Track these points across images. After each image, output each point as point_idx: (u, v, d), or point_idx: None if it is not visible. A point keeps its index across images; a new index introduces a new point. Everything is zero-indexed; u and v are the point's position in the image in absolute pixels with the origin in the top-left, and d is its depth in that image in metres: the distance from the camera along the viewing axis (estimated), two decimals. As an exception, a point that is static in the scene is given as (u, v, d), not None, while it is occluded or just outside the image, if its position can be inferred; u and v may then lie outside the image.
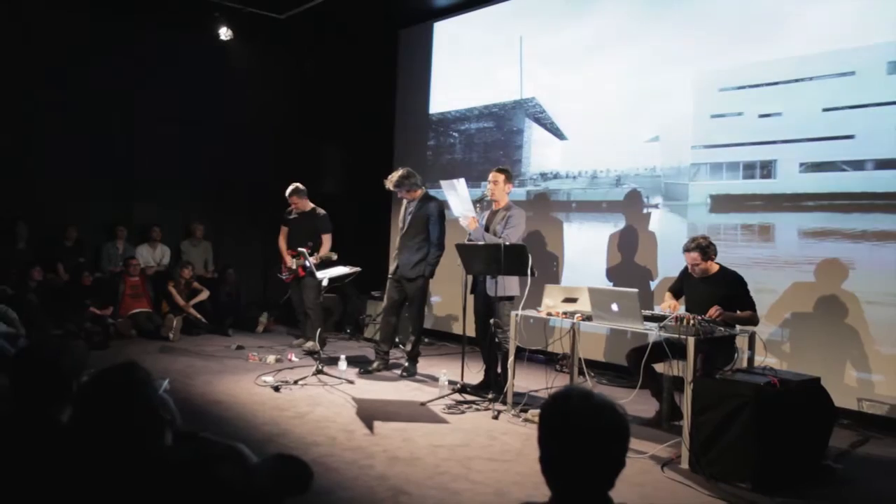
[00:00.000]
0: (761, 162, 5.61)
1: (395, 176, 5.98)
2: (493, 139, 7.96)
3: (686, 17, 6.14)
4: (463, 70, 8.31)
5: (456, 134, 8.44)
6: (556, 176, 7.21)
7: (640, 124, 6.45)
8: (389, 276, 6.12)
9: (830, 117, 5.23)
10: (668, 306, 4.69)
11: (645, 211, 6.43)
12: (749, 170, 5.70)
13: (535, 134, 7.45)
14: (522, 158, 7.57)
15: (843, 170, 5.18)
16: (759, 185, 5.64)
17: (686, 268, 4.77)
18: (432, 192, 6.37)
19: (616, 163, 6.66)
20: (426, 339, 7.15)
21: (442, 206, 6.03)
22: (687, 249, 4.66)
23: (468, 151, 8.28)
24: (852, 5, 5.18)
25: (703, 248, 4.60)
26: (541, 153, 7.42)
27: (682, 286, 4.87)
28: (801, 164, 5.39)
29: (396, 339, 6.66)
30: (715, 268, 4.67)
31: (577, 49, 7.00)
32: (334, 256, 6.58)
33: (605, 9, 6.79)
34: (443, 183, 5.49)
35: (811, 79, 5.34)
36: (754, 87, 5.67)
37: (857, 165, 5.12)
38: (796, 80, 5.42)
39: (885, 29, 4.96)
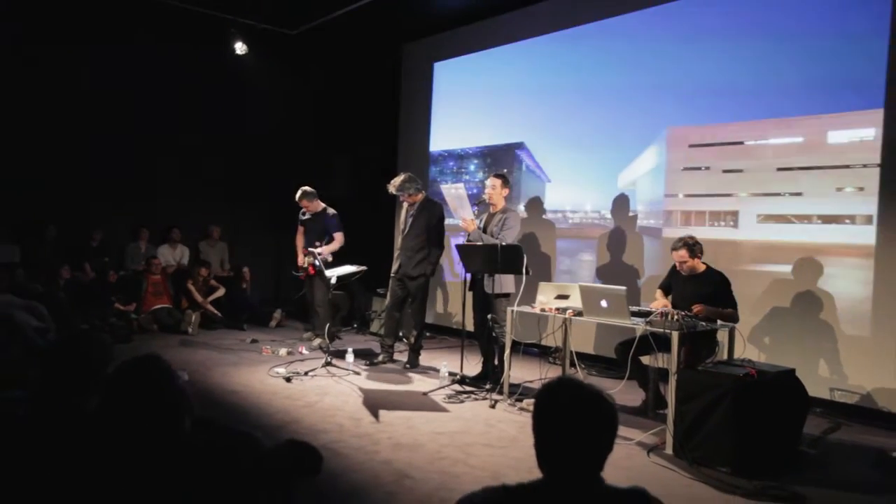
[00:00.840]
0: (725, 212, 5.78)
1: (397, 181, 5.99)
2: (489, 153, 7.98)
3: (662, 82, 6.18)
4: (461, 84, 8.32)
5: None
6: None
7: (621, 172, 6.54)
8: (392, 274, 6.11)
9: (783, 176, 5.41)
10: (658, 305, 4.69)
11: (631, 214, 6.43)
12: (714, 219, 5.86)
13: (524, 175, 7.53)
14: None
15: (792, 223, 5.36)
16: (724, 233, 5.76)
17: (674, 266, 4.78)
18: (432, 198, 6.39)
19: (598, 205, 6.75)
20: (427, 334, 7.15)
21: (441, 209, 6.04)
22: (675, 248, 4.67)
23: (466, 161, 8.30)
24: (798, 81, 5.29)
25: (690, 246, 4.62)
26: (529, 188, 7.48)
27: (670, 283, 4.88)
28: (758, 216, 5.55)
29: (400, 333, 6.66)
30: (702, 267, 4.68)
31: (563, 102, 7.06)
32: (329, 259, 6.52)
33: (588, 71, 6.82)
34: (443, 187, 5.50)
35: (767, 141, 5.52)
36: (719, 145, 5.82)
37: (805, 219, 5.30)
38: (755, 142, 5.59)
39: (825, 103, 5.13)
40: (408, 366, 6.06)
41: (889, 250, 4.84)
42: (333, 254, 6.72)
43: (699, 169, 5.96)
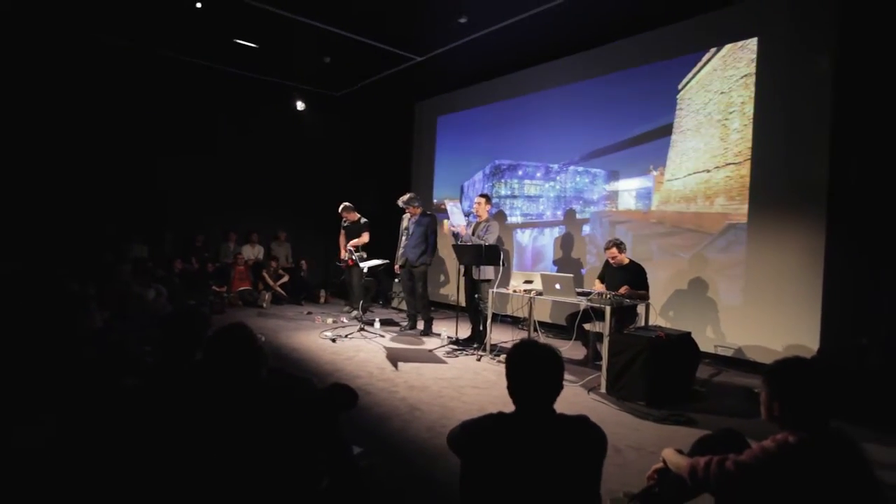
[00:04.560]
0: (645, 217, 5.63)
1: (405, 197, 5.93)
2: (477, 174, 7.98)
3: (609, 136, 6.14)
4: (456, 130, 8.31)
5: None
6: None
7: (572, 192, 6.49)
8: (399, 266, 6.00)
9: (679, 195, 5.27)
10: (597, 287, 4.72)
11: (577, 223, 6.45)
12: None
13: (504, 191, 7.47)
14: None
15: (690, 229, 5.22)
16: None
17: (607, 261, 4.81)
18: (431, 209, 6.34)
19: (555, 215, 6.69)
20: (433, 308, 7.12)
21: (436, 221, 5.99)
22: (607, 248, 4.71)
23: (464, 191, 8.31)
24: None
25: (618, 244, 4.68)
26: (506, 201, 7.45)
27: (604, 273, 4.89)
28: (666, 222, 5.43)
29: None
30: (626, 260, 4.70)
31: (531, 136, 7.01)
32: (364, 255, 6.51)
33: (544, 112, 6.80)
34: (446, 202, 5.49)
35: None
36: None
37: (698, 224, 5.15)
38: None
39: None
40: (423, 334, 5.99)
41: (756, 247, 4.86)
42: (366, 248, 6.73)
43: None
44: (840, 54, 4.38)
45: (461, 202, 7.75)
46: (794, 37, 4.65)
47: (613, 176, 6.05)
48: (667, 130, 5.53)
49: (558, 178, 6.66)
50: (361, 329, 5.88)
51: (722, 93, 5.12)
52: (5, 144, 6.48)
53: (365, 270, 6.12)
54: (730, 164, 5.05)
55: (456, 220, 5.40)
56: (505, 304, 6.59)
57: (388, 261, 6.18)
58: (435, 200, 8.47)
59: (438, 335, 5.73)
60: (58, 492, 1.72)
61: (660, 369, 3.69)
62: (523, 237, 7.15)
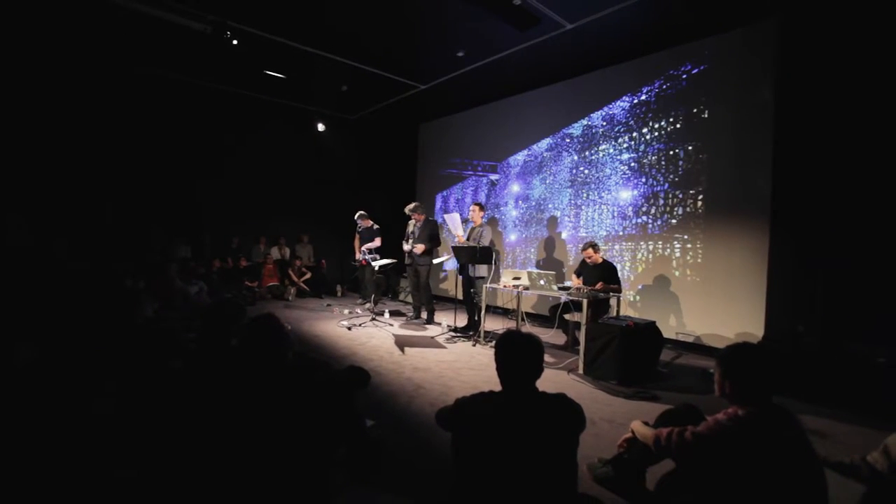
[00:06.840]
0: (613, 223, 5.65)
1: (411, 205, 5.92)
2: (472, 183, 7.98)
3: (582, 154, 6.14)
4: (456, 148, 8.32)
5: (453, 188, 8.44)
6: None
7: (554, 202, 6.47)
8: (408, 264, 5.99)
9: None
10: (576, 283, 4.72)
11: (558, 229, 6.45)
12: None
13: (496, 199, 7.46)
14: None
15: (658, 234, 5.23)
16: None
17: (583, 260, 4.81)
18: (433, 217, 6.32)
19: (540, 221, 6.68)
20: (435, 301, 7.11)
21: (437, 226, 5.99)
22: (584, 249, 4.71)
23: (461, 201, 8.30)
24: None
25: (593, 246, 4.67)
26: (498, 208, 7.44)
27: (581, 270, 4.90)
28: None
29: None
30: (600, 259, 4.71)
31: (515, 153, 7.00)
32: (378, 256, 6.49)
33: (527, 134, 6.79)
34: (445, 216, 5.50)
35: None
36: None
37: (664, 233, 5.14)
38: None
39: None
40: (426, 323, 6.00)
41: (711, 249, 4.87)
42: (380, 251, 6.71)
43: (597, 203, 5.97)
44: (779, 86, 4.41)
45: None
46: (742, 71, 4.67)
47: (588, 191, 6.06)
48: (634, 153, 5.54)
49: (542, 189, 6.66)
50: (373, 319, 5.87)
51: (679, 119, 5.13)
52: (79, 170, 6.55)
53: (377, 268, 6.12)
54: (687, 179, 5.07)
55: (454, 228, 5.40)
56: (496, 298, 6.60)
57: (395, 260, 6.18)
58: (436, 206, 8.47)
59: (439, 324, 5.73)
60: (121, 451, 1.72)
61: (629, 353, 3.70)
62: (513, 239, 7.13)
